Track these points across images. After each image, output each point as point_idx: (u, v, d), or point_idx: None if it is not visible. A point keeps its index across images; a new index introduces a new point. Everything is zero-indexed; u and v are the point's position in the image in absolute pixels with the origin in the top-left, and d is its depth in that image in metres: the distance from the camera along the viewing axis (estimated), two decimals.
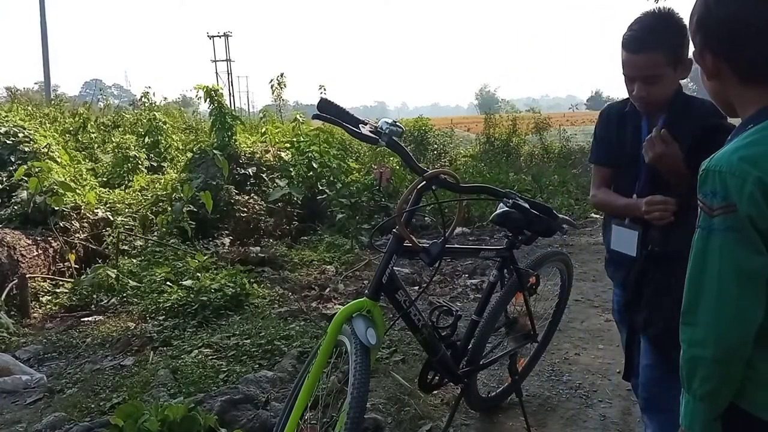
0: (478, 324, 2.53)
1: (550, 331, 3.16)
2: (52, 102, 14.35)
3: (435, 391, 2.79)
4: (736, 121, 1.23)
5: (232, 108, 12.64)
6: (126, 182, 8.46)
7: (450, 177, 2.11)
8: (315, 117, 2.14)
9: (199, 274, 5.11)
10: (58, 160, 6.91)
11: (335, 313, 2.36)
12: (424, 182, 2.08)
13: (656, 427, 1.99)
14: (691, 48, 1.34)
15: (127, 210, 7.02)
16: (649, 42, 1.89)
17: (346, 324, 2.02)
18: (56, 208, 6.00)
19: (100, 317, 4.79)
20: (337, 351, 2.11)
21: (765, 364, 1.10)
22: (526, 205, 2.00)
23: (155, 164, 9.79)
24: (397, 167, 8.79)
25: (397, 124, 2.09)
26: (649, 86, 1.92)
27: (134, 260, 5.94)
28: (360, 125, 2.11)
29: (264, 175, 8.42)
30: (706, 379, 1.09)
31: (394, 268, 2.12)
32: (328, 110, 2.13)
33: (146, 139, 10.31)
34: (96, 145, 10.14)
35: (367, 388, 1.88)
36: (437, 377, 2.49)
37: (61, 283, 5.59)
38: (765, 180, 1.01)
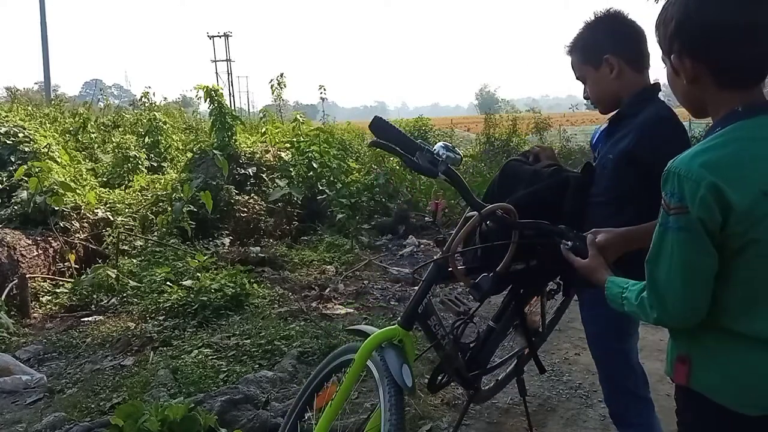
0: (494, 331, 2.49)
1: (549, 329, 3.13)
2: (52, 102, 14.34)
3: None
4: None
5: (232, 108, 12.62)
6: (126, 182, 8.44)
7: (505, 212, 1.94)
8: (372, 144, 1.94)
9: (199, 274, 5.11)
10: (58, 160, 6.90)
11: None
12: (480, 220, 1.93)
13: None
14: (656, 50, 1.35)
15: (127, 210, 7.01)
16: (571, 44, 2.00)
17: (376, 352, 1.91)
18: (56, 208, 5.99)
19: (100, 317, 4.79)
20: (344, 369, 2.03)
21: (718, 347, 1.18)
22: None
23: (155, 164, 9.78)
24: (397, 167, 8.77)
25: (456, 150, 1.93)
26: (586, 87, 2.00)
27: (134, 260, 5.94)
28: (417, 152, 1.90)
29: (264, 175, 8.41)
30: (635, 316, 1.28)
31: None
32: (382, 131, 1.93)
33: (146, 139, 10.30)
34: (96, 145, 10.12)
35: None
36: (446, 377, 2.47)
37: (61, 283, 5.58)
38: (719, 185, 1.07)
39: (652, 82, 1.93)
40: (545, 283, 2.45)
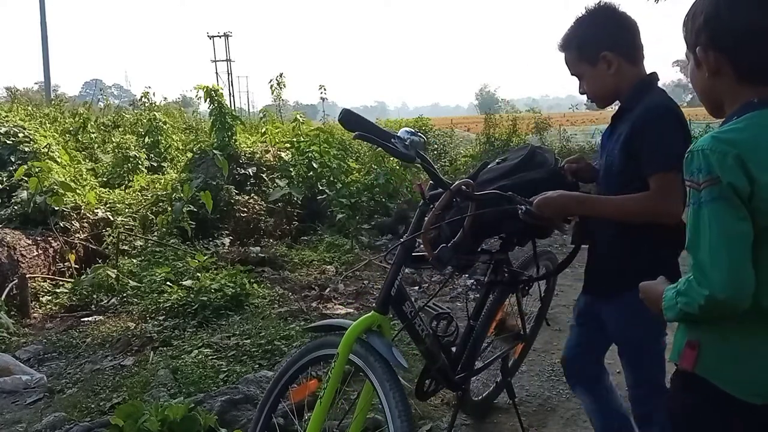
0: (474, 329, 2.50)
1: (536, 328, 3.12)
2: (52, 102, 14.34)
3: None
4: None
5: (232, 108, 12.63)
6: (126, 182, 8.45)
7: (467, 186, 2.03)
8: (357, 137, 1.96)
9: (199, 274, 5.11)
10: (58, 160, 6.90)
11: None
12: (450, 196, 1.99)
13: None
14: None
15: (127, 210, 7.01)
16: (565, 41, 1.97)
17: (358, 343, 1.89)
18: (56, 208, 5.99)
19: (100, 317, 4.79)
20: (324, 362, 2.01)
21: (731, 332, 1.17)
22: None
23: (155, 164, 9.77)
24: (397, 167, 8.76)
25: (419, 133, 1.99)
26: (583, 83, 1.98)
27: (134, 260, 5.94)
28: (392, 140, 1.97)
29: (264, 175, 8.41)
30: (688, 308, 1.16)
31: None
32: (354, 123, 1.97)
33: (146, 139, 10.30)
34: (96, 145, 10.12)
35: (413, 426, 1.72)
36: (434, 384, 2.46)
37: (61, 283, 5.59)
38: (743, 156, 1.10)
39: (648, 73, 1.92)
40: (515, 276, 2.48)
